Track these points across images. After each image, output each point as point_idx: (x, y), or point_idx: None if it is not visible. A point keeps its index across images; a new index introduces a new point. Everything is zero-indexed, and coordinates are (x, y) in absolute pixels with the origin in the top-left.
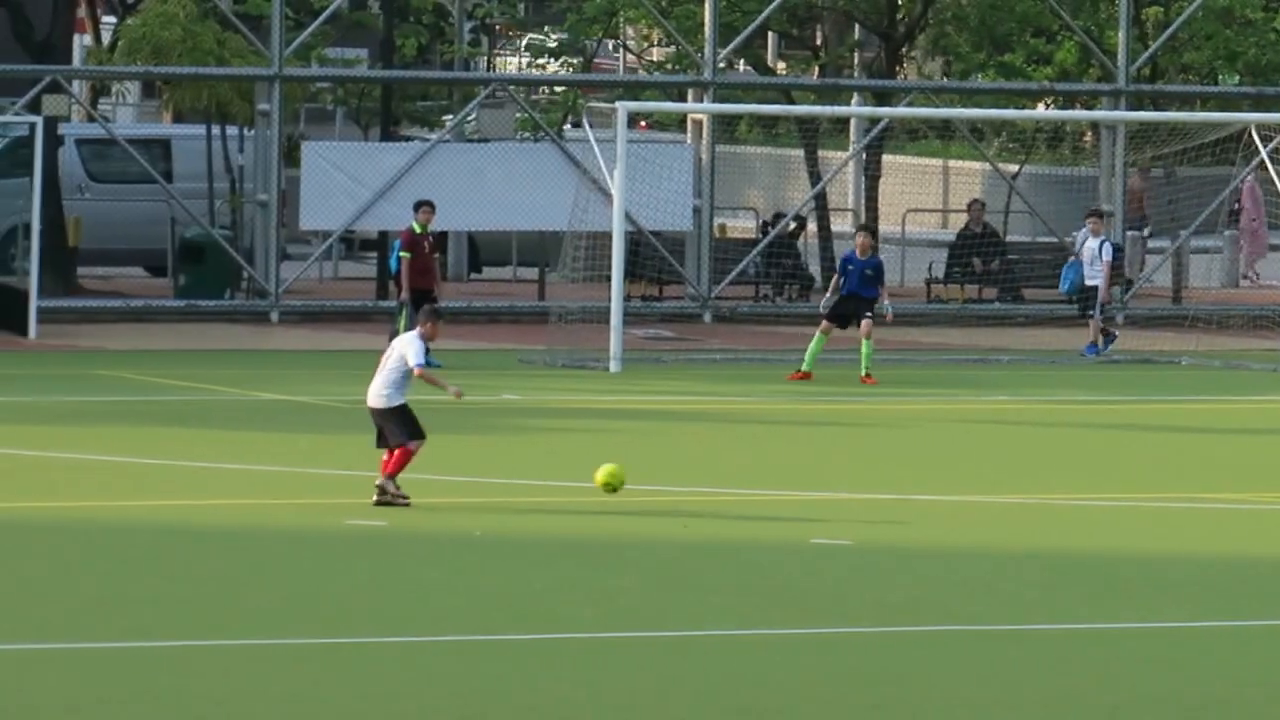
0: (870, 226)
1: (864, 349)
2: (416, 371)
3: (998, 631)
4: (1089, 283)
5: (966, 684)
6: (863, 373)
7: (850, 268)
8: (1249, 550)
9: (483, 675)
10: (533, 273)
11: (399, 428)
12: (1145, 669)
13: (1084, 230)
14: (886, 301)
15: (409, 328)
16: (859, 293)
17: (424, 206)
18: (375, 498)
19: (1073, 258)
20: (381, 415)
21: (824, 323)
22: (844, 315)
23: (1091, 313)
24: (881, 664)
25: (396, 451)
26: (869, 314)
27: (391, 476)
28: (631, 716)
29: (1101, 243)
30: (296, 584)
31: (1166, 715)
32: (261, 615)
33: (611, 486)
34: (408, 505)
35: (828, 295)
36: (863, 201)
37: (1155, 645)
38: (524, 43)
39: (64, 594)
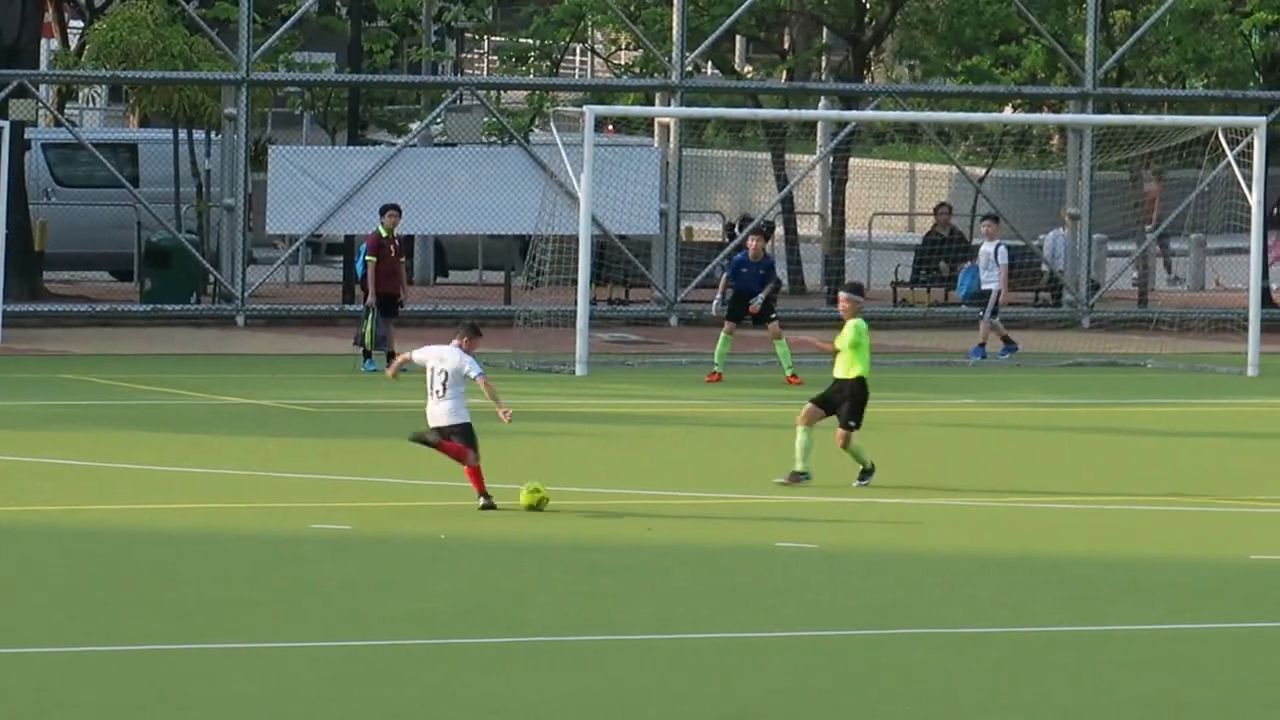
0: (763, 230)
1: (780, 350)
2: (481, 381)
3: (964, 635)
4: (985, 287)
5: (932, 687)
6: (787, 374)
7: (744, 270)
8: (1215, 553)
9: (447, 678)
10: (499, 276)
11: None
12: (1111, 672)
13: (1052, 233)
14: (760, 297)
15: (375, 332)
16: (753, 291)
17: (390, 210)
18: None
19: (969, 263)
20: (450, 431)
21: (726, 324)
22: (738, 315)
23: (983, 315)
24: (847, 667)
25: (471, 466)
26: (772, 317)
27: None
28: (597, 719)
29: (997, 246)
30: (262, 587)
31: (1133, 718)
32: (227, 619)
33: (535, 503)
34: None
35: (717, 299)
36: (829, 205)
37: (1121, 648)
38: (488, 46)
39: (29, 597)
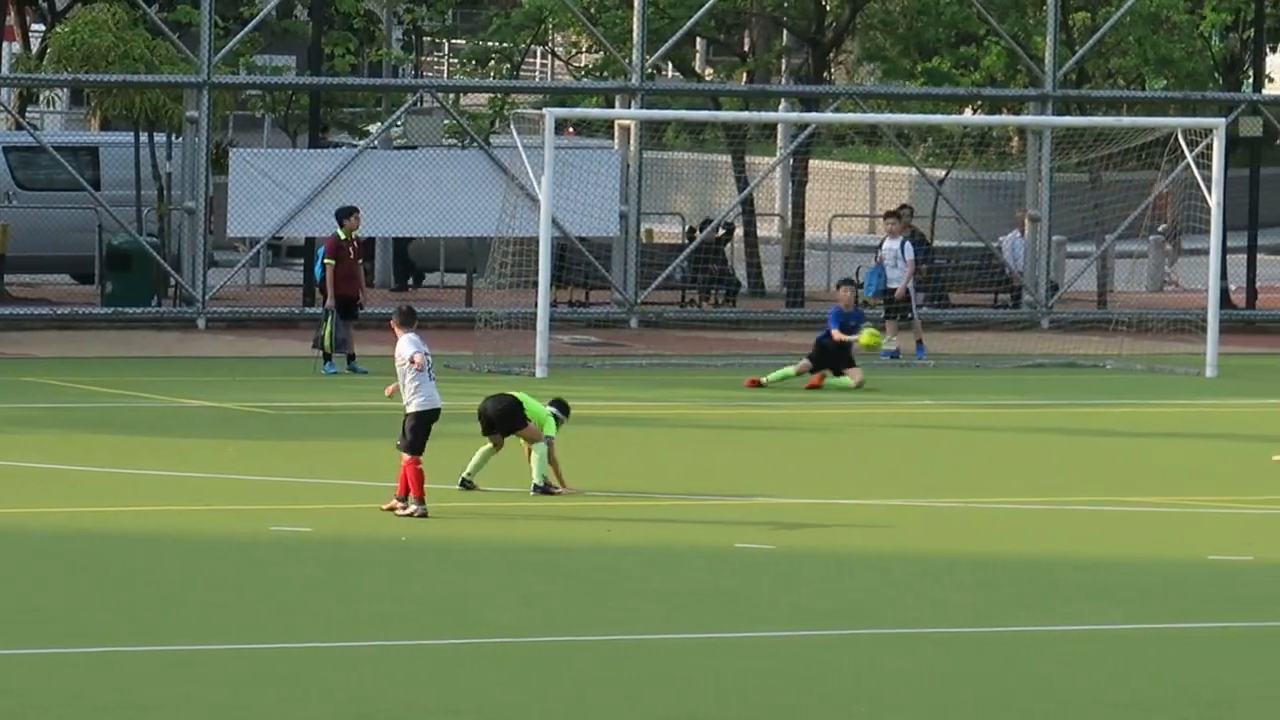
0: (854, 282)
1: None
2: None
3: (924, 635)
4: (891, 285)
5: (894, 688)
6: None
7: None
8: (1174, 553)
9: (407, 679)
10: (461, 279)
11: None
12: (1071, 672)
13: (1011, 234)
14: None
15: (334, 334)
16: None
17: (350, 214)
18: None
19: (875, 262)
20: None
21: (805, 361)
22: (825, 362)
23: (910, 315)
24: (806, 668)
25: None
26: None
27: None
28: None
29: (902, 243)
30: (223, 589)
31: (1092, 717)
32: (188, 620)
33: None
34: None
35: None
36: (789, 207)
37: (1084, 648)
38: (449, 49)
39: None
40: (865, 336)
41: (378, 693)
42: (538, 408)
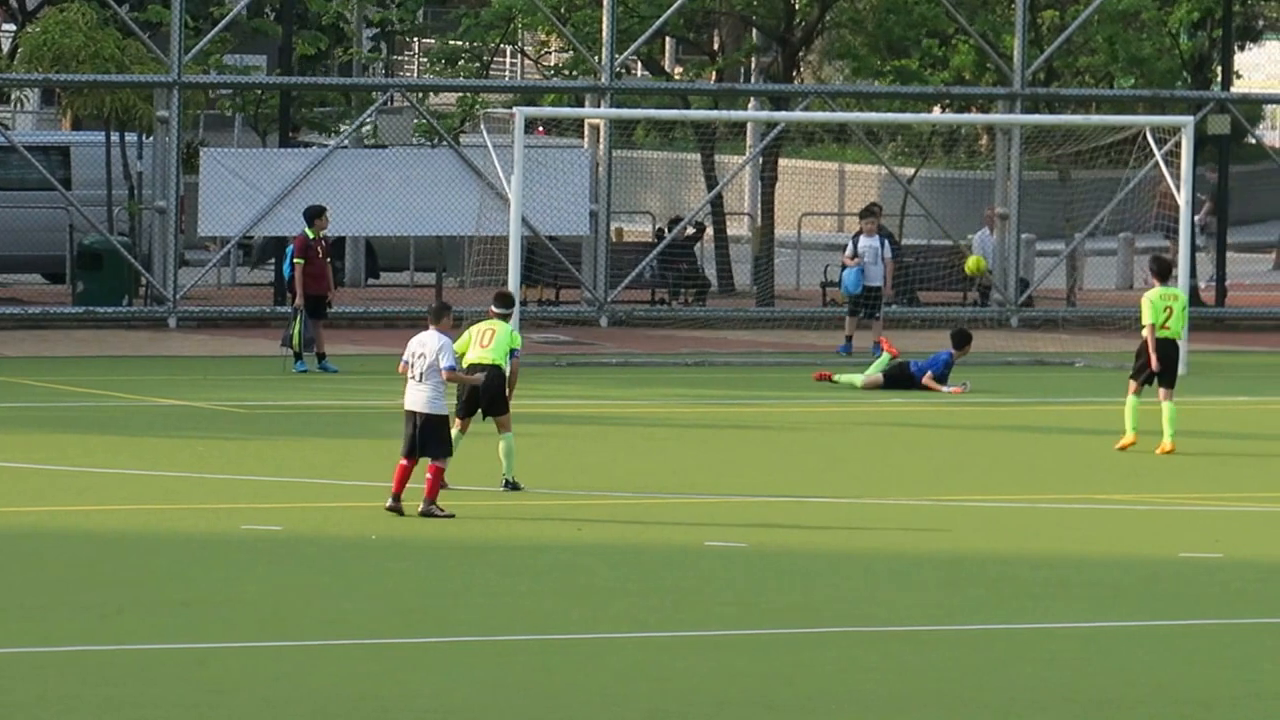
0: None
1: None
2: (447, 375)
3: (893, 632)
4: (870, 283)
5: (862, 683)
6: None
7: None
8: (1144, 550)
9: (378, 678)
10: (430, 277)
11: (439, 440)
12: (1042, 669)
13: (981, 232)
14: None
15: (303, 333)
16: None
17: (319, 213)
18: (390, 504)
19: (847, 263)
20: (427, 421)
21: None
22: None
23: (878, 315)
24: (776, 665)
25: (431, 473)
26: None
27: (432, 500)
28: (526, 718)
29: (881, 241)
30: (193, 589)
31: (1062, 714)
32: (158, 619)
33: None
34: (451, 518)
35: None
36: (759, 205)
37: (1052, 645)
38: (419, 48)
39: None
40: (971, 263)
41: (349, 692)
42: (512, 338)
